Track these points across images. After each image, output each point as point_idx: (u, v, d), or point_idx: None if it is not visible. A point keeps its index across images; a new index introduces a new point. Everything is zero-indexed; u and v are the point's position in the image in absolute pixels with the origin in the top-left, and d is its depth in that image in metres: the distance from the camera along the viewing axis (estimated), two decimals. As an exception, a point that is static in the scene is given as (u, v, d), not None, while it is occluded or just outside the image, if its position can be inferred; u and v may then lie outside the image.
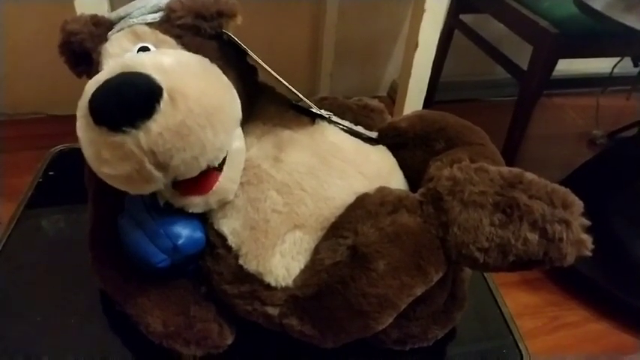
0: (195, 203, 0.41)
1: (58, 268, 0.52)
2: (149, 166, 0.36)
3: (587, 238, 0.36)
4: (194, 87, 0.37)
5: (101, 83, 0.36)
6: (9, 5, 1.33)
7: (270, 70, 0.42)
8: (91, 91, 0.36)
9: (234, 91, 0.41)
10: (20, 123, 1.50)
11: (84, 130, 0.36)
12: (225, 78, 0.40)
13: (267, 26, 1.53)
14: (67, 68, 0.47)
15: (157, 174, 0.36)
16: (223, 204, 0.42)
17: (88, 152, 0.37)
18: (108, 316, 0.47)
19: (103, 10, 0.86)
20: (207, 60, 0.41)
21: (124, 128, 0.34)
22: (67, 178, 0.62)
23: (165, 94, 0.35)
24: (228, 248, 0.41)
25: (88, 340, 0.46)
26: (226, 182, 0.41)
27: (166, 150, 0.35)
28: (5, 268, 0.52)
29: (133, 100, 0.35)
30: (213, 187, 0.40)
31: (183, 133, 0.35)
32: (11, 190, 1.20)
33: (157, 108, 0.35)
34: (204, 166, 0.38)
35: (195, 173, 0.38)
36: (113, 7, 0.89)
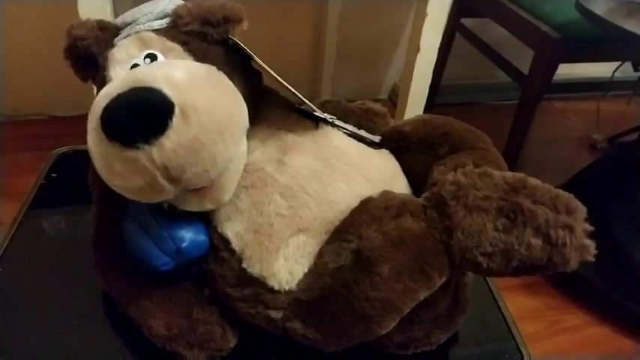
0: (189, 201, 0.40)
1: (60, 269, 0.52)
2: (161, 180, 0.36)
3: (590, 244, 0.36)
4: (205, 101, 0.37)
5: (113, 98, 0.36)
6: (10, 5, 1.32)
7: (276, 75, 0.42)
8: (103, 105, 0.36)
9: (242, 100, 0.41)
10: (21, 124, 1.50)
11: (96, 143, 0.36)
12: (233, 86, 0.41)
13: (269, 28, 1.53)
14: (69, 69, 0.47)
15: (169, 186, 0.36)
16: (227, 207, 0.42)
17: (99, 164, 0.37)
18: (110, 319, 0.47)
19: (105, 12, 0.86)
20: (214, 68, 0.41)
21: (137, 144, 0.34)
22: (69, 180, 0.62)
23: (177, 110, 0.35)
24: (232, 251, 0.41)
25: (90, 343, 0.46)
26: (224, 181, 0.41)
27: (179, 165, 0.35)
28: (8, 269, 0.52)
29: (146, 117, 0.35)
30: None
31: (196, 149, 0.36)
32: (12, 190, 1.20)
33: (170, 124, 0.35)
34: (214, 177, 0.38)
35: (205, 184, 0.38)
36: (116, 10, 0.89)
